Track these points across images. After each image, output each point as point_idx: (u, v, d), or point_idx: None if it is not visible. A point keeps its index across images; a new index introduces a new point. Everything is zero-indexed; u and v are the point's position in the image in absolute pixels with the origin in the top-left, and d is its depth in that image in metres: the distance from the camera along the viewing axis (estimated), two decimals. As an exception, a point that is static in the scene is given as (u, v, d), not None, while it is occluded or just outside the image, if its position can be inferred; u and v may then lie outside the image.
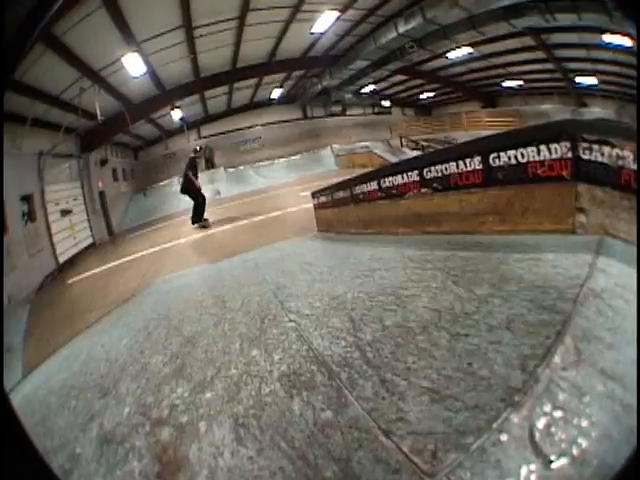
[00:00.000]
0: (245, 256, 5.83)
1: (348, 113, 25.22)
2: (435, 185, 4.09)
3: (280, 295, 3.15)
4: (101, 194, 15.41)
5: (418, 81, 23.23)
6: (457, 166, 3.82)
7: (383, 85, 23.48)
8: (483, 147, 3.62)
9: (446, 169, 3.94)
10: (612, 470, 1.04)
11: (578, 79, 21.94)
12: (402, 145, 22.96)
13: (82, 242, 12.72)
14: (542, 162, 3.12)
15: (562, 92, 23.39)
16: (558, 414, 1.30)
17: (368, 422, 1.43)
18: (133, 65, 11.87)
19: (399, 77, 22.10)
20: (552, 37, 17.50)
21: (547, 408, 1.33)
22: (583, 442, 1.19)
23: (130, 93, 14.44)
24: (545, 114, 21.12)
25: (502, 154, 3.40)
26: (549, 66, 21.01)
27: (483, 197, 3.62)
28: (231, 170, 19.88)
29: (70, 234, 11.97)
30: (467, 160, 3.71)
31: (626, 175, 2.58)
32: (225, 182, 18.97)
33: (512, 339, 1.80)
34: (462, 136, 19.27)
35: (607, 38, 15.60)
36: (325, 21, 13.72)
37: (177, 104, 17.88)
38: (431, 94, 25.83)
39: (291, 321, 2.54)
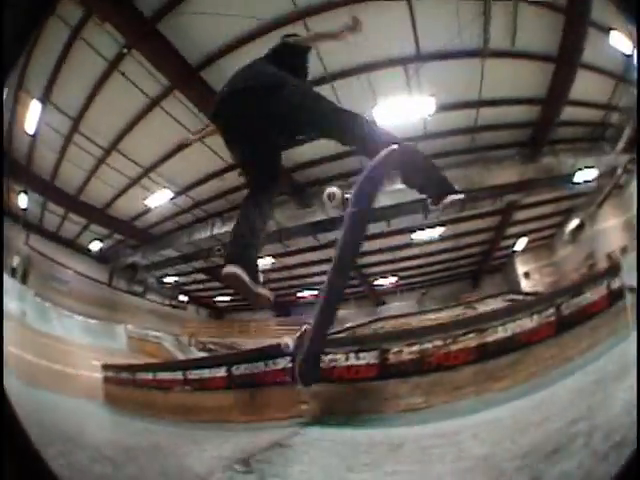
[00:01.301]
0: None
1: (148, 297, 24.88)
2: (195, 385, 5.18)
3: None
4: None
5: (216, 284, 23.82)
6: (210, 372, 5.01)
7: (185, 279, 24.09)
8: (228, 360, 4.96)
9: (202, 373, 5.11)
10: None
11: (378, 282, 24.13)
12: (190, 344, 22.70)
13: None
14: (268, 372, 4.38)
15: (359, 297, 25.45)
16: None
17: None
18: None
19: (201, 276, 22.94)
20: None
21: None
22: None
23: None
24: (340, 319, 22.89)
25: (241, 366, 4.69)
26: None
27: (229, 395, 4.74)
28: (38, 300, 18.10)
29: None
30: (217, 368, 4.93)
31: (337, 373, 4.00)
32: (31, 307, 17.07)
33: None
34: (248, 343, 20.38)
35: (416, 236, 18.13)
36: (159, 198, 14.68)
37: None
38: (226, 299, 26.56)
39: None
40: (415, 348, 3.93)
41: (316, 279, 23.52)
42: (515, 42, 10.33)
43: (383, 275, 23.84)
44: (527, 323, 4.18)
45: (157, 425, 4.81)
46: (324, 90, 10.42)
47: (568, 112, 13.21)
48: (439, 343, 3.95)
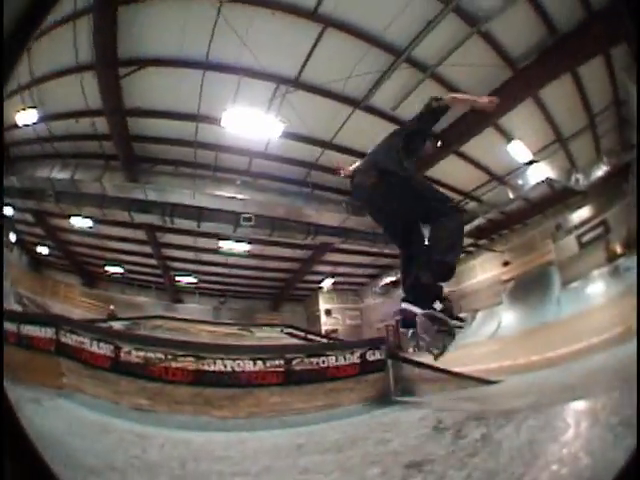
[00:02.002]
0: None
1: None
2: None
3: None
4: None
5: (39, 230, 22.13)
6: (6, 326, 4.99)
7: (18, 216, 20.90)
8: (19, 318, 5.32)
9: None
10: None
11: (179, 278, 24.18)
12: (9, 293, 20.95)
13: None
14: (41, 338, 4.82)
15: (160, 288, 25.13)
16: None
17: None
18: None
19: (29, 217, 20.47)
20: (165, 236, 18.87)
21: None
22: None
23: None
24: (138, 305, 22.58)
25: (26, 327, 4.94)
26: (153, 262, 22.23)
27: (19, 353, 4.90)
28: None
29: None
30: (10, 324, 5.02)
31: (85, 356, 4.58)
32: None
33: None
34: (57, 307, 19.62)
35: (224, 244, 18.72)
36: (26, 117, 13.31)
37: None
38: (45, 250, 24.54)
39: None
40: (141, 354, 4.56)
41: (121, 257, 23.20)
42: (398, 108, 10.95)
43: (183, 273, 23.98)
44: (249, 365, 4.68)
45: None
46: (194, 75, 10.71)
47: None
48: (161, 356, 4.55)
